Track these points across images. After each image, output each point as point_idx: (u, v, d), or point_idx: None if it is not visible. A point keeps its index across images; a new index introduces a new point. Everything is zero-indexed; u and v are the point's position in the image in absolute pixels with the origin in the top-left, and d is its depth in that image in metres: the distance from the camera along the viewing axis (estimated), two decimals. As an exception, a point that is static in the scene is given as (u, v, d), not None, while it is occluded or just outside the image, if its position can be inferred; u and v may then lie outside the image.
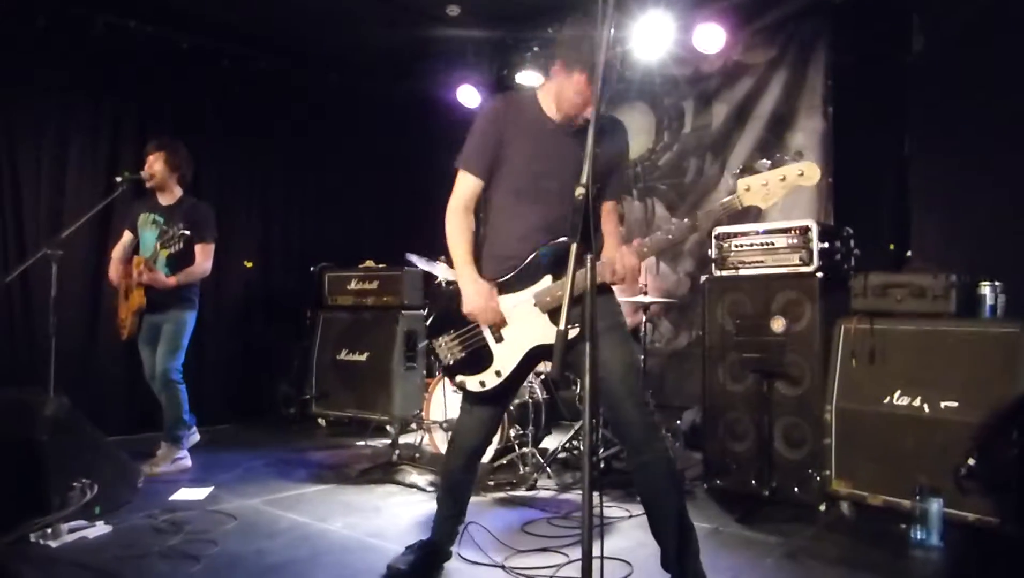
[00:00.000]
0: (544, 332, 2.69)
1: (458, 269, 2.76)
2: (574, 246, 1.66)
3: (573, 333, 2.62)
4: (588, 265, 1.72)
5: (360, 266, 6.68)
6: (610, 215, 2.89)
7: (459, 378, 2.79)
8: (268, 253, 7.29)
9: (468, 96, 6.93)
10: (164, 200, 5.04)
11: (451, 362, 2.79)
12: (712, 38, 5.55)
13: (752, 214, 5.81)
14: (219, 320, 6.78)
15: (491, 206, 2.85)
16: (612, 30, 1.85)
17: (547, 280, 2.69)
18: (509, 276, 2.75)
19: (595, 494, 1.55)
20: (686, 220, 2.55)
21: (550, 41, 5.82)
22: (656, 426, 2.74)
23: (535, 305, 2.69)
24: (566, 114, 2.72)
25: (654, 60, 6.20)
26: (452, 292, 2.81)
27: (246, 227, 7.10)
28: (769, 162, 2.45)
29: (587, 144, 1.72)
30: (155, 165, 4.93)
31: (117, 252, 5.12)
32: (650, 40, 5.80)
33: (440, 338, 2.82)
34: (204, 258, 4.99)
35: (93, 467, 3.67)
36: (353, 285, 6.64)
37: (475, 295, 2.70)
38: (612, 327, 2.71)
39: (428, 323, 2.89)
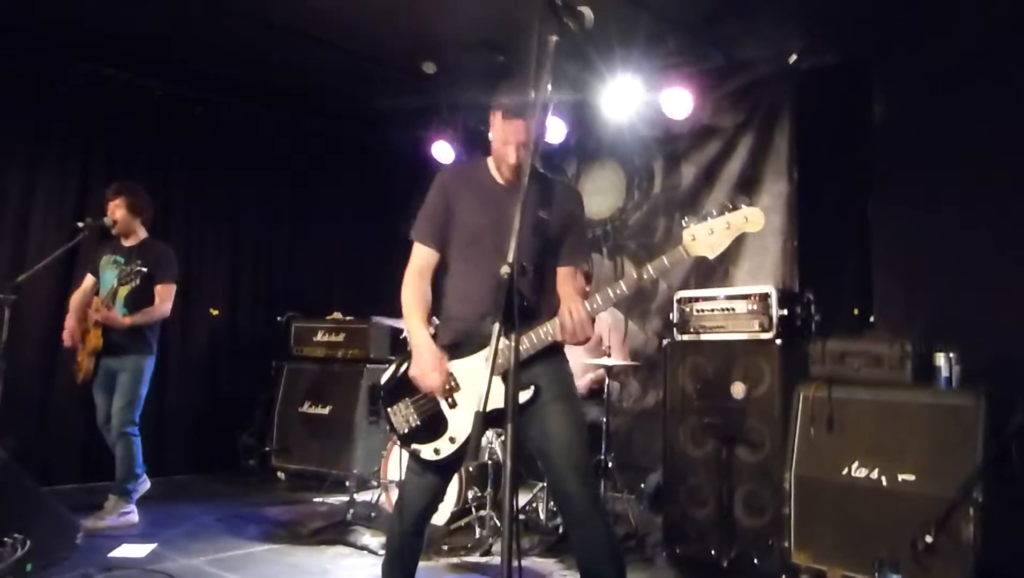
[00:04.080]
0: (498, 394, 2.62)
1: (412, 335, 2.72)
2: (496, 325, 1.63)
3: (525, 396, 2.58)
4: (512, 343, 1.68)
5: (328, 317, 6.63)
6: (568, 280, 2.83)
7: (414, 447, 2.71)
8: (235, 302, 7.19)
9: (442, 152, 6.96)
10: (127, 242, 5.01)
11: (405, 430, 2.73)
12: (680, 102, 5.62)
13: (718, 276, 5.91)
14: (183, 368, 6.69)
15: (447, 271, 2.84)
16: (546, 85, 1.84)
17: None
18: (459, 339, 2.71)
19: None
20: (633, 273, 2.54)
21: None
22: (598, 499, 2.69)
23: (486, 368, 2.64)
24: (503, 170, 2.75)
25: (624, 120, 6.26)
26: (406, 358, 2.75)
27: (214, 275, 7.02)
28: (715, 211, 2.44)
29: (515, 217, 1.70)
30: (117, 212, 4.90)
31: (76, 298, 5.03)
32: (620, 101, 5.86)
33: (395, 406, 2.75)
34: (163, 299, 4.93)
35: (27, 521, 3.54)
36: (320, 336, 6.59)
37: (424, 361, 2.65)
38: (559, 397, 2.66)
39: (382, 388, 2.81)
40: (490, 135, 2.76)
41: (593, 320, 2.63)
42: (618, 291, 2.55)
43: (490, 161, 2.83)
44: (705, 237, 2.45)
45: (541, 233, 2.68)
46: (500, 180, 2.79)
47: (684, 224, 2.49)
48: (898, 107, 5.10)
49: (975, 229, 4.53)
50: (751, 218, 2.43)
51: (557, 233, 2.77)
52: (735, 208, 2.44)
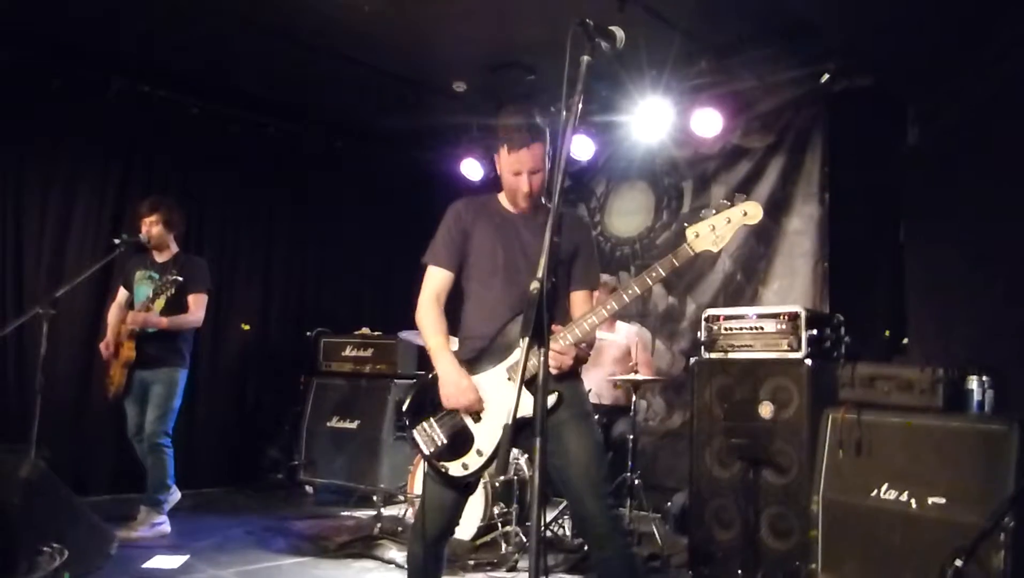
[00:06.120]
0: (525, 404, 2.65)
1: (434, 356, 2.78)
2: (526, 340, 1.66)
3: (551, 400, 2.61)
4: (541, 358, 1.71)
5: (356, 333, 6.69)
6: (582, 303, 2.91)
7: (442, 464, 2.73)
8: (266, 317, 7.29)
9: (471, 169, 7.04)
10: (160, 257, 5.12)
11: (432, 449, 2.76)
12: (709, 123, 5.64)
13: (747, 297, 5.90)
14: (213, 382, 6.78)
15: (464, 296, 2.92)
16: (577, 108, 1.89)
17: (517, 352, 2.68)
18: (479, 354, 2.77)
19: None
20: (642, 276, 2.60)
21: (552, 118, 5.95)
22: (618, 520, 2.70)
23: (508, 379, 2.70)
24: (514, 201, 2.84)
25: (654, 141, 6.29)
26: (429, 379, 2.79)
27: (246, 290, 7.13)
28: (714, 210, 2.56)
29: (545, 235, 1.74)
30: (153, 228, 5.00)
31: (113, 314, 5.14)
32: (650, 122, 5.90)
33: (419, 425, 2.78)
34: (197, 308, 5.03)
35: (65, 531, 3.61)
36: (348, 352, 6.64)
37: (454, 380, 2.70)
38: (577, 416, 2.70)
39: (405, 410, 2.85)
40: (498, 170, 2.85)
41: (591, 347, 2.75)
42: (630, 291, 2.62)
43: (501, 196, 2.93)
44: (707, 234, 2.55)
45: (552, 254, 2.74)
46: (513, 210, 2.88)
47: (686, 224, 2.61)
48: (932, 129, 5.07)
49: (1009, 253, 4.49)
50: (749, 211, 2.55)
51: (567, 259, 2.86)
52: (733, 204, 2.56)
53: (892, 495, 3.60)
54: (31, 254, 5.85)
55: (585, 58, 1.91)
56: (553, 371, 2.59)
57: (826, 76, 5.41)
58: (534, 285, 1.73)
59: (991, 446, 3.37)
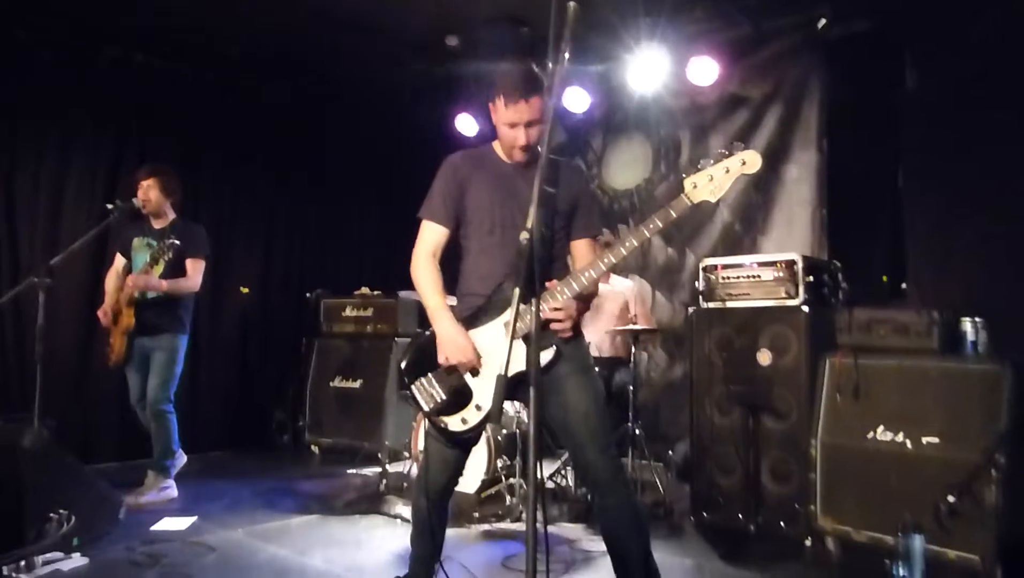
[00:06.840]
0: (519, 358, 2.63)
1: (432, 315, 2.76)
2: (517, 291, 1.66)
3: (547, 356, 2.62)
4: (533, 309, 1.72)
5: (355, 293, 6.70)
6: (584, 252, 2.90)
7: (441, 420, 2.74)
8: (266, 280, 7.30)
9: (466, 124, 6.98)
10: (157, 224, 5.08)
11: (431, 405, 2.77)
12: (706, 71, 5.58)
13: (745, 246, 5.89)
14: (215, 346, 6.81)
15: (462, 252, 2.90)
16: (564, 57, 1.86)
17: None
18: (476, 310, 2.76)
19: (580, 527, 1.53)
20: (639, 228, 2.57)
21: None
22: (620, 469, 2.71)
23: (506, 334, 2.69)
24: (508, 153, 2.81)
25: (650, 92, 6.22)
26: (427, 337, 2.79)
27: (245, 254, 7.12)
28: (712, 159, 2.53)
29: (534, 186, 1.73)
30: (150, 192, 4.97)
31: (111, 281, 5.13)
32: (645, 72, 5.83)
33: (418, 383, 2.78)
34: (195, 272, 5.02)
35: (72, 498, 3.65)
36: (349, 312, 6.67)
37: (452, 338, 2.69)
38: (578, 369, 2.70)
39: (403, 368, 2.84)
40: (494, 121, 2.79)
41: (593, 295, 2.76)
42: (627, 244, 2.59)
43: (496, 145, 2.89)
44: (705, 184, 2.53)
45: (548, 205, 2.73)
46: (509, 161, 2.84)
47: (684, 175, 2.58)
48: (931, 74, 5.01)
49: (1006, 197, 4.48)
50: (748, 160, 2.52)
51: (565, 209, 2.83)
52: (731, 153, 2.53)
53: (888, 436, 3.66)
54: (24, 224, 5.81)
55: (571, 4, 1.88)
56: (563, 334, 2.59)
57: (823, 22, 5.35)
58: (524, 236, 1.72)
59: (984, 386, 3.43)
